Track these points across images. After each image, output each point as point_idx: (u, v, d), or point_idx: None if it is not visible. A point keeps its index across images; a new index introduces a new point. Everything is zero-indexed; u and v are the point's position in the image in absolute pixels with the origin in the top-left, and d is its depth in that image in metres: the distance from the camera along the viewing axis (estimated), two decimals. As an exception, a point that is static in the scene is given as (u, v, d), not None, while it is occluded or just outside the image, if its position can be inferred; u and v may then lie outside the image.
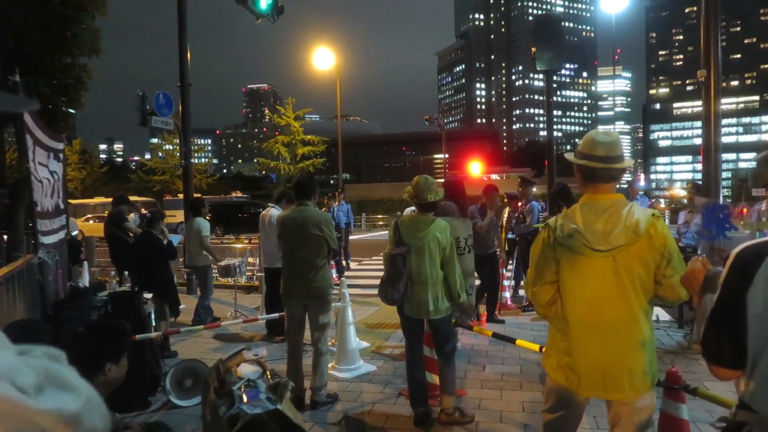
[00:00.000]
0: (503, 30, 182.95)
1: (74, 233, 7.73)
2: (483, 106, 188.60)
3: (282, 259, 4.66)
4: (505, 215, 8.39)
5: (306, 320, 4.60)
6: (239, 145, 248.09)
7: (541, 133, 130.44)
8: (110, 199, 9.01)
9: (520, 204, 8.09)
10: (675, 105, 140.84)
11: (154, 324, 6.01)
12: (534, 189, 8.82)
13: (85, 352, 2.23)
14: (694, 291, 1.72)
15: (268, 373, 2.67)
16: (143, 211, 13.91)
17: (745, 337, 1.36)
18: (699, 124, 7.06)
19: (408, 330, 4.14)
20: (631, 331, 2.26)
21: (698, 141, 7.22)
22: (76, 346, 2.35)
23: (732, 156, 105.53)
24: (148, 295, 6.36)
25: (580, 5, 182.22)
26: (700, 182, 7.52)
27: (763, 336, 1.32)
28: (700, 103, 6.95)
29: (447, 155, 40.13)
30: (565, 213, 2.42)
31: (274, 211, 6.73)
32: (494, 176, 52.05)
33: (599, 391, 2.32)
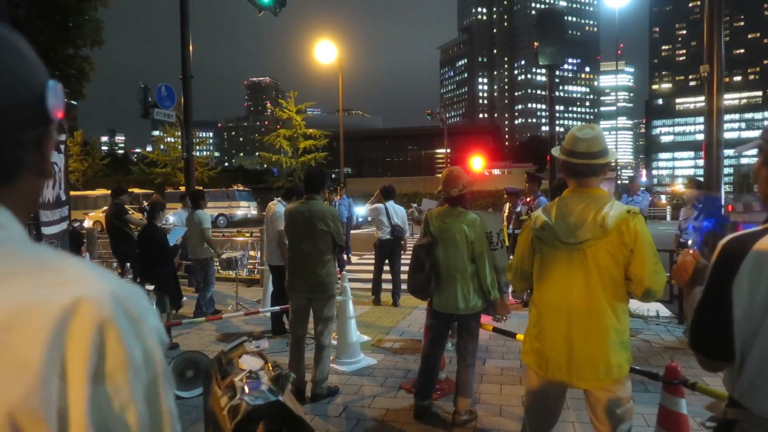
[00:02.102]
0: (506, 24, 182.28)
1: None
2: (485, 101, 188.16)
3: (288, 252, 4.65)
4: (506, 211, 8.40)
5: (310, 313, 4.60)
6: (241, 138, 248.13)
7: (543, 128, 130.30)
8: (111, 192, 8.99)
9: (528, 199, 8.11)
10: (677, 100, 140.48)
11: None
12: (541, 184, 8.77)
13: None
14: (683, 283, 1.73)
15: (269, 364, 2.69)
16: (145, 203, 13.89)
17: (731, 328, 1.35)
18: (701, 119, 7.01)
19: (434, 324, 4.08)
20: (596, 322, 2.33)
21: (701, 137, 7.15)
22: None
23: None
24: (150, 287, 6.38)
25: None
26: (698, 178, 7.50)
27: (750, 329, 1.32)
28: (702, 98, 6.91)
29: (449, 150, 40.07)
30: (545, 206, 2.52)
31: (280, 207, 6.64)
32: (496, 171, 51.98)
33: (564, 377, 2.39)
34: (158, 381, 0.62)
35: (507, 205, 8.56)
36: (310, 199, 4.48)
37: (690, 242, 6.45)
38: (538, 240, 2.48)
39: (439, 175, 4.48)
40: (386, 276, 8.40)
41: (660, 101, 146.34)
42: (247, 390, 2.41)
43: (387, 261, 8.34)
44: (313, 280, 4.42)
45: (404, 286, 9.07)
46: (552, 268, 2.43)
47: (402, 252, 8.57)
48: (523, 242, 2.60)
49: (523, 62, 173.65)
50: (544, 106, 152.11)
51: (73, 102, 11.25)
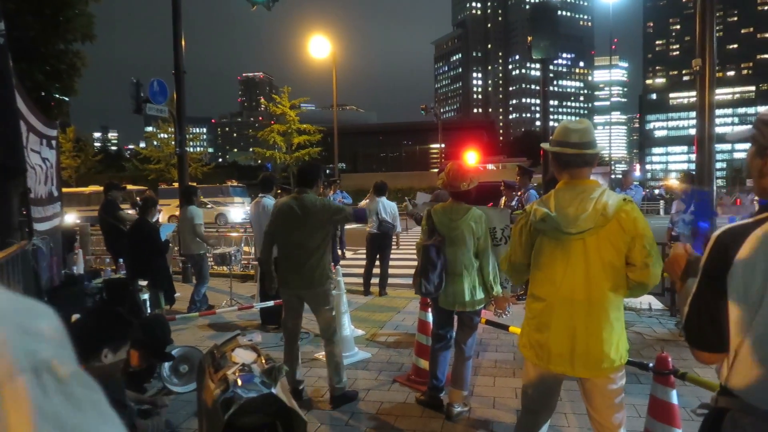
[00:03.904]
0: (500, 19, 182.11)
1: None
2: (479, 96, 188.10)
3: (277, 248, 4.43)
4: (502, 204, 8.40)
5: (302, 310, 4.44)
6: (235, 134, 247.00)
7: (537, 123, 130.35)
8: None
9: (519, 192, 8.12)
10: (671, 95, 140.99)
11: (149, 311, 6.03)
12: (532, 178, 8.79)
13: (84, 333, 2.24)
14: (676, 276, 1.73)
15: (262, 357, 2.69)
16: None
17: (726, 320, 1.36)
18: (695, 114, 7.03)
19: (439, 322, 4.08)
20: (598, 311, 2.35)
21: (694, 131, 7.18)
22: (75, 325, 2.36)
23: (727, 147, 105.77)
24: (143, 283, 6.37)
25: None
26: (692, 172, 7.52)
27: (744, 320, 1.32)
28: (695, 93, 6.93)
29: (443, 145, 40.06)
30: (541, 199, 2.52)
31: (268, 200, 6.64)
32: (490, 166, 51.99)
33: (566, 368, 2.40)
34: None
35: (503, 199, 8.57)
36: (302, 193, 4.28)
37: (680, 237, 6.47)
38: (536, 232, 2.48)
39: (434, 170, 4.45)
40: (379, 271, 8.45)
41: (654, 96, 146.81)
42: (240, 383, 2.41)
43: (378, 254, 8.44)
44: (304, 276, 4.22)
45: (395, 280, 9.13)
46: (551, 259, 2.42)
47: (393, 247, 8.63)
48: (518, 235, 2.58)
49: (517, 57, 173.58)
50: (538, 101, 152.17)
51: (64, 98, 11.17)
